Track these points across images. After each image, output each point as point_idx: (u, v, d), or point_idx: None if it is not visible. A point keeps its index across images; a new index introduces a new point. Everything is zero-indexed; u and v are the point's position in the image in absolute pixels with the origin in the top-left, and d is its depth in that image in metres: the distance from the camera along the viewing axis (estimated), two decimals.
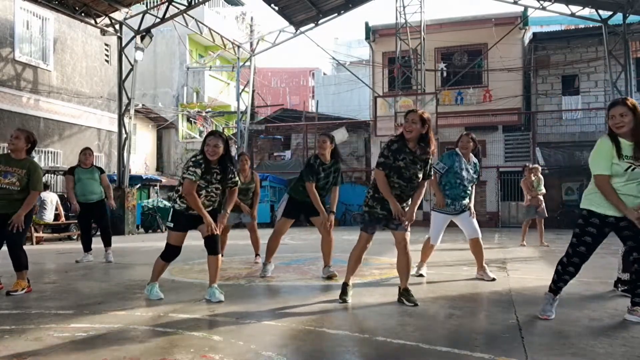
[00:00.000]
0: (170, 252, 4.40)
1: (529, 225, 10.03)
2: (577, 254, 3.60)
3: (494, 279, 5.33)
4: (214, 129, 26.20)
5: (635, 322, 3.52)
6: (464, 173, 5.30)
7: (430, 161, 4.17)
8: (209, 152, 4.18)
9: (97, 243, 7.56)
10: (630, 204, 3.41)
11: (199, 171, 4.15)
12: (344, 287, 4.34)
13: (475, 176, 5.42)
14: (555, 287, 3.70)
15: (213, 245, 4.32)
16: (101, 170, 7.46)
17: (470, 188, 5.39)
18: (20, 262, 4.74)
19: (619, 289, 4.63)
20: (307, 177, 5.32)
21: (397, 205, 4.04)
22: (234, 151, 19.11)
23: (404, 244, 4.19)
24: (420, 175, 4.14)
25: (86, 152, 7.37)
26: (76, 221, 12.37)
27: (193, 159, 4.23)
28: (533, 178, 9.68)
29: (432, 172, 4.37)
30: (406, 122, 4.05)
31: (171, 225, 4.37)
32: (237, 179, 4.48)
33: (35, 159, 15.23)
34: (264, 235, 6.45)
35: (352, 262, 4.38)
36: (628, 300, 3.76)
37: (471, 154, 5.42)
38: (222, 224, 4.41)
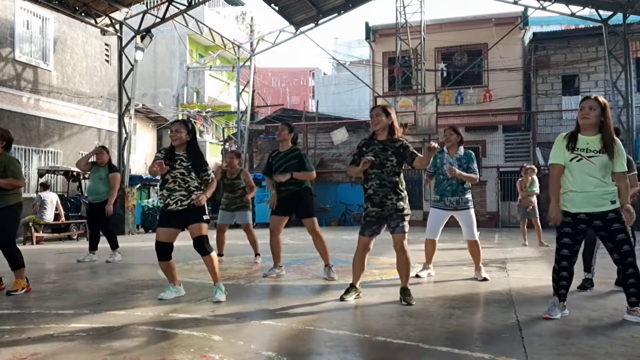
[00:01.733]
0: (158, 249, 4.40)
1: (526, 225, 10.08)
2: (563, 257, 3.66)
3: (485, 279, 5.35)
4: (214, 129, 26.23)
5: (635, 322, 3.52)
6: (445, 167, 5.37)
7: (406, 145, 4.24)
8: (171, 136, 4.42)
9: (102, 243, 7.56)
10: (587, 201, 3.53)
11: (159, 155, 4.42)
12: (349, 287, 4.39)
13: (464, 167, 5.34)
14: (557, 293, 3.72)
15: (199, 246, 4.34)
16: (110, 169, 7.26)
17: (458, 182, 5.36)
18: (16, 260, 4.73)
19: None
20: (264, 173, 5.80)
21: (362, 165, 4.17)
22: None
23: (400, 246, 4.22)
24: (394, 159, 4.19)
25: (97, 149, 7.36)
26: (76, 221, 12.47)
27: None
28: (528, 179, 9.78)
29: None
30: (371, 117, 4.37)
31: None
32: (210, 176, 4.46)
33: (35, 159, 15.16)
34: (264, 235, 6.46)
35: (354, 268, 4.42)
36: (625, 300, 3.75)
37: (461, 147, 5.47)
38: (198, 202, 4.32)
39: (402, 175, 4.30)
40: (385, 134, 4.29)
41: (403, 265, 4.26)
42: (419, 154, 4.24)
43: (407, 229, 4.22)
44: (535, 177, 9.92)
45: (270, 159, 5.69)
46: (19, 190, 4.94)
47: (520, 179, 10.10)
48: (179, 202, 4.32)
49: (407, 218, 4.23)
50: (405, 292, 4.23)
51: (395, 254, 4.30)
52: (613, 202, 3.54)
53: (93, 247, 7.31)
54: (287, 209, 5.59)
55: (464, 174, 5.27)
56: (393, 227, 4.21)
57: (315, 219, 5.54)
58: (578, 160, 3.55)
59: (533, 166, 10.44)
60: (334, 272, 5.48)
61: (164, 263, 4.44)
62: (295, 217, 5.76)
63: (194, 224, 4.33)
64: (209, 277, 4.52)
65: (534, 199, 9.81)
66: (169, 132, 4.46)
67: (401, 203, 4.19)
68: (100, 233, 7.49)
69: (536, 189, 9.84)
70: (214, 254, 4.40)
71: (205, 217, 4.40)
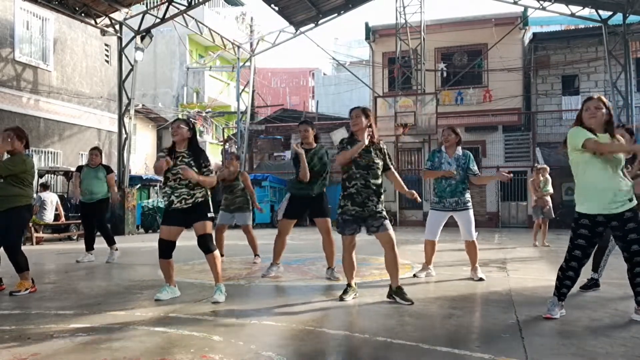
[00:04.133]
0: (160, 246, 4.43)
1: (539, 226, 9.98)
2: (574, 258, 3.63)
3: (480, 279, 5.34)
4: (214, 129, 26.23)
5: None
6: (444, 167, 5.36)
7: (386, 151, 4.40)
8: (172, 133, 4.47)
9: (99, 243, 7.55)
10: (605, 201, 3.49)
11: (162, 154, 4.47)
12: (346, 288, 4.41)
13: (464, 167, 5.34)
14: (559, 292, 3.70)
15: (203, 244, 4.35)
16: (108, 170, 7.42)
17: (457, 182, 5.34)
18: (19, 266, 4.72)
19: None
20: (296, 173, 5.66)
21: (357, 147, 4.20)
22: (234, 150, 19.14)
23: (391, 244, 4.23)
24: (379, 161, 4.30)
25: (92, 152, 7.48)
26: (76, 221, 12.45)
27: None
28: (541, 178, 9.67)
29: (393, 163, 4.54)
30: (351, 118, 4.42)
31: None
32: (210, 171, 4.44)
33: (35, 159, 15.15)
34: (264, 235, 6.46)
35: (345, 267, 4.46)
36: (626, 300, 3.75)
37: (459, 147, 5.46)
38: (183, 170, 4.25)
39: (381, 178, 4.40)
40: (364, 136, 4.31)
41: (392, 262, 4.26)
42: (392, 168, 4.42)
43: (389, 227, 4.25)
44: (548, 177, 9.78)
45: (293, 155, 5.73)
46: (29, 193, 4.88)
47: (532, 179, 9.99)
48: (183, 201, 4.34)
49: (387, 219, 4.29)
50: (401, 290, 4.22)
51: (384, 253, 4.30)
52: (631, 200, 3.52)
53: (89, 247, 7.34)
54: (298, 211, 5.62)
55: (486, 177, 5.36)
56: (377, 227, 4.24)
57: (329, 220, 5.54)
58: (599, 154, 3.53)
59: (545, 165, 10.33)
60: (338, 273, 5.47)
61: (165, 261, 4.46)
62: (309, 216, 5.77)
63: (199, 222, 4.36)
64: (209, 277, 4.52)
65: (549, 199, 9.69)
66: (170, 130, 4.50)
67: (380, 205, 4.29)
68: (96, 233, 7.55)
69: (550, 188, 9.74)
70: (217, 252, 4.41)
71: (210, 215, 4.42)
